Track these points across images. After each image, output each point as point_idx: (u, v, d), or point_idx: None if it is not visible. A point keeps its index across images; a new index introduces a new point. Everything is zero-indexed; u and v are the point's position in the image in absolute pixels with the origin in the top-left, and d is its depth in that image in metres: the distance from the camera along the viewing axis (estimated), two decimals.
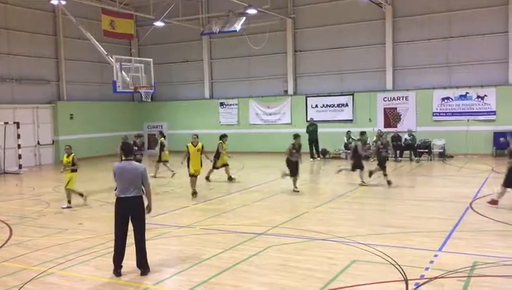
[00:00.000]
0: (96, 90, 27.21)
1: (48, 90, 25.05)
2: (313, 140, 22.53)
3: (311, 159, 22.05)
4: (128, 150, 7.44)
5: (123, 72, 18.44)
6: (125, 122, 28.14)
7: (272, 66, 26.32)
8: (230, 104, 27.35)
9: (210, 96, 28.36)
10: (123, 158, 7.35)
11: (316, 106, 25.03)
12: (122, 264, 7.14)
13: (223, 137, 16.86)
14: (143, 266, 7.12)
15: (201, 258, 7.78)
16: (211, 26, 24.18)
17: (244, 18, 23.20)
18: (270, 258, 7.72)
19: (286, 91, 26.04)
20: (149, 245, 7.46)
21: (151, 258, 7.34)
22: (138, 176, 7.10)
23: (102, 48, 20.43)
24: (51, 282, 6.98)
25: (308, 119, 24.14)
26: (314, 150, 22.61)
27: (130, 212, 7.11)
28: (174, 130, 28.94)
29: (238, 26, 23.15)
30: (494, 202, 10.86)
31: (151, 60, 20.07)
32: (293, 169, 13.97)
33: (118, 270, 7.10)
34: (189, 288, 6.51)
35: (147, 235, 7.44)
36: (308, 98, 25.25)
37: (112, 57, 18.90)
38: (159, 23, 24.23)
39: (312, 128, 22.73)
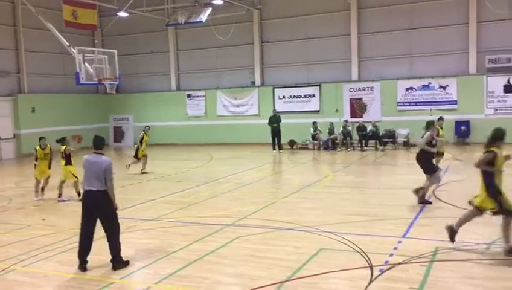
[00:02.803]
0: (58, 83, 26.47)
1: (7, 82, 24.23)
2: (276, 132, 22.27)
3: (273, 151, 22.06)
4: (97, 144, 7.27)
5: (86, 64, 18.03)
6: (90, 115, 27.57)
7: (239, 57, 26.24)
8: (198, 96, 27.16)
9: (177, 88, 28.07)
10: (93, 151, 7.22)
11: (284, 96, 25.14)
12: (87, 259, 7.02)
13: (440, 120, 13.67)
14: (114, 260, 6.99)
15: (168, 251, 7.73)
16: (176, 16, 23.88)
17: (210, 9, 23.00)
18: (239, 249, 7.74)
19: (253, 82, 26.05)
20: None
21: None
22: (101, 171, 6.98)
23: (64, 39, 19.90)
24: (13, 279, 6.80)
25: (273, 110, 24.16)
26: (276, 142, 22.23)
27: (95, 207, 6.99)
28: (141, 122, 28.43)
29: (204, 17, 22.94)
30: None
31: (115, 51, 19.70)
32: None
33: (82, 265, 6.98)
34: (156, 281, 6.47)
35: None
36: (275, 89, 25.34)
37: (74, 48, 18.45)
38: (122, 14, 23.74)
39: (275, 120, 22.55)
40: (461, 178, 13.42)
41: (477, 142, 21.00)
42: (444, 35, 22.22)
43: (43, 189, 12.70)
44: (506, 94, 21.12)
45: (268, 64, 25.94)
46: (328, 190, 12.77)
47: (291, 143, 23.51)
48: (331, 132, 22.55)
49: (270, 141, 22.43)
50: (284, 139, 22.84)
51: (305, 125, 23.45)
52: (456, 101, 21.96)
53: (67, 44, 19.48)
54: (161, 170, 17.54)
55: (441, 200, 10.63)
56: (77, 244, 7.10)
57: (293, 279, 6.32)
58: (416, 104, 22.63)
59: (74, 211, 10.83)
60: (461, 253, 7.04)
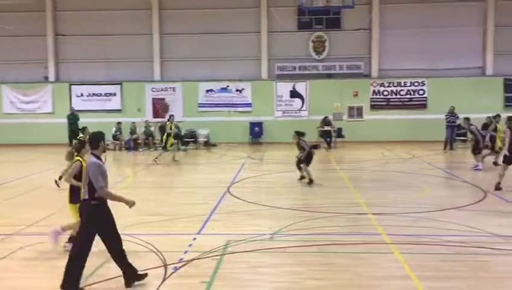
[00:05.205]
0: None
1: None
2: (73, 131, 21.09)
3: None
4: (90, 142, 5.91)
5: None
6: None
7: (29, 50, 23.92)
8: None
9: None
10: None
11: (82, 94, 23.79)
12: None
13: (497, 117, 16.24)
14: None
15: None
16: None
17: None
18: (21, 260, 7.03)
19: (46, 78, 24.01)
20: None
21: None
22: (87, 175, 5.72)
23: None
24: None
25: (70, 108, 22.78)
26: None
27: None
28: None
29: None
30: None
31: None
32: None
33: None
34: None
35: None
36: (72, 86, 23.80)
37: None
38: None
39: (72, 119, 21.44)
40: (252, 175, 14.54)
41: (269, 141, 23.16)
42: (241, 42, 23.81)
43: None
44: (292, 99, 23.66)
45: (64, 58, 24.21)
46: (128, 191, 12.40)
47: None
48: (132, 131, 22.16)
49: (67, 141, 20.98)
50: None
51: (106, 125, 22.43)
52: (250, 103, 23.73)
53: None
54: None
55: (234, 196, 11.33)
56: None
57: (82, 287, 5.99)
58: (216, 105, 23.76)
59: None
60: (249, 244, 7.61)
